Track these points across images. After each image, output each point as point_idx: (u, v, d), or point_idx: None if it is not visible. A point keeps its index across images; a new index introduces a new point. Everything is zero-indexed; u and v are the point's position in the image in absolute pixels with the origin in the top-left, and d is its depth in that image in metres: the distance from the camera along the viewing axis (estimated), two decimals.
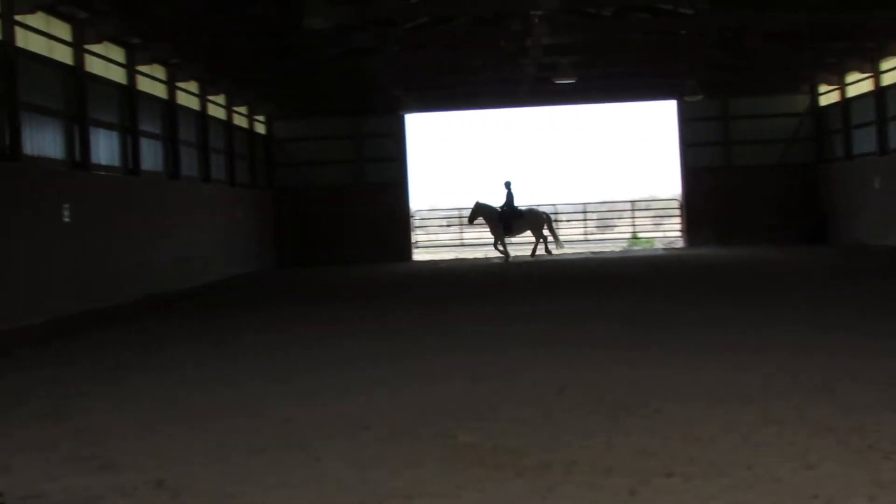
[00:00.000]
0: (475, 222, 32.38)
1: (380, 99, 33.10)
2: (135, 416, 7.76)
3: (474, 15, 26.06)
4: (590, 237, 42.37)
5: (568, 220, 43.34)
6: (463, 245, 40.33)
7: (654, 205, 48.36)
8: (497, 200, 31.47)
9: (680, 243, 36.90)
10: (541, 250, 31.63)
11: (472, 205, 32.30)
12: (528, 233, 32.04)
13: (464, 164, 71.04)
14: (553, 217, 35.12)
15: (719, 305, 14.98)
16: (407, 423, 7.11)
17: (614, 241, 40.90)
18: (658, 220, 44.87)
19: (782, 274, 21.25)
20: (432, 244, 40.71)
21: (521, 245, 34.13)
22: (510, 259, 30.70)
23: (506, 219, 30.76)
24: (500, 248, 31.45)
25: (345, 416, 7.46)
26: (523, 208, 31.84)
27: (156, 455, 6.41)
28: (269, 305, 18.74)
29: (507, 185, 31.25)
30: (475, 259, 33.04)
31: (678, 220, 38.29)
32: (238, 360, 10.91)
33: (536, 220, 31.42)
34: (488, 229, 31.95)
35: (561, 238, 33.08)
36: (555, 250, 31.82)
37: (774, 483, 5.24)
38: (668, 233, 40.54)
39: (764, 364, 8.93)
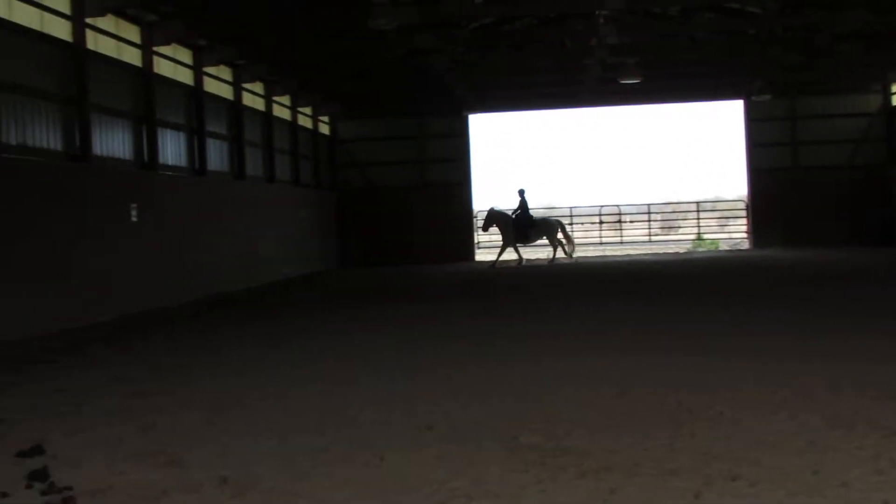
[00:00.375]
0: (489, 230, 32.04)
1: (443, 99, 33.18)
2: (199, 414, 7.85)
3: (539, 15, 25.96)
4: (654, 238, 42.09)
5: (632, 221, 43.10)
6: (523, 245, 40.24)
7: (719, 206, 47.92)
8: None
9: (745, 245, 36.46)
10: (560, 254, 31.31)
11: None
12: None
13: (527, 165, 70.80)
14: (621, 217, 34.95)
15: (786, 309, 14.76)
16: (470, 423, 7.10)
17: (678, 242, 40.55)
18: (723, 222, 44.43)
19: (852, 276, 20.87)
20: (494, 244, 40.65)
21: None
22: (523, 263, 30.43)
23: (521, 227, 30.30)
24: (513, 253, 31.02)
25: (408, 416, 7.47)
26: (536, 217, 31.79)
27: (220, 452, 6.48)
28: (331, 306, 18.84)
29: (521, 192, 30.75)
30: (536, 260, 32.91)
31: (744, 221, 37.83)
32: (301, 361, 10.98)
33: (550, 228, 31.13)
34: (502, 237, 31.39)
35: (576, 243, 33.19)
36: (572, 255, 31.48)
37: (842, 488, 5.15)
38: (734, 234, 40.10)
39: (832, 369, 8.77)
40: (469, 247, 35.60)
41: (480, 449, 6.29)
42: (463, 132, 35.59)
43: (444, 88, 31.22)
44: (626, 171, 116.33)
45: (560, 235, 31.03)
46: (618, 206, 41.77)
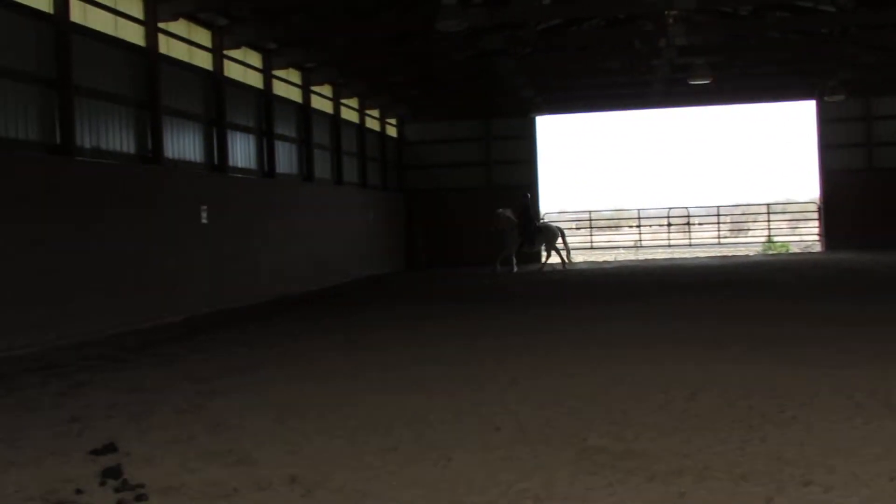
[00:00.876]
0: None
1: (510, 101, 33.17)
2: (269, 413, 7.92)
3: (607, 16, 25.81)
4: (723, 241, 41.57)
5: (700, 224, 42.62)
6: (592, 248, 40.09)
7: (790, 208, 47.17)
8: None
9: (817, 248, 35.87)
10: (553, 260, 29.88)
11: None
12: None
13: (594, 167, 70.43)
14: (689, 219, 34.42)
15: (862, 313, 14.49)
16: (538, 425, 7.07)
17: (748, 244, 40.00)
18: (794, 224, 43.74)
19: None
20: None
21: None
22: (515, 271, 28.86)
23: (528, 232, 29.02)
24: (508, 260, 29.33)
25: (476, 416, 7.47)
26: (540, 223, 30.77)
27: (289, 451, 6.53)
28: (400, 305, 18.89)
29: (525, 196, 29.84)
30: (610, 262, 32.70)
31: (816, 223, 37.23)
32: (369, 360, 11.04)
33: (553, 236, 29.64)
34: (508, 239, 29.27)
35: (573, 252, 31.73)
36: (567, 264, 29.72)
37: None
38: (805, 237, 39.47)
39: None
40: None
41: (549, 451, 6.27)
42: (529, 134, 35.52)
43: (511, 90, 31.19)
44: (695, 172, 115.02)
45: (560, 243, 29.64)
46: (686, 208, 41.31)
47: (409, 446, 6.54)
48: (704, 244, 40.39)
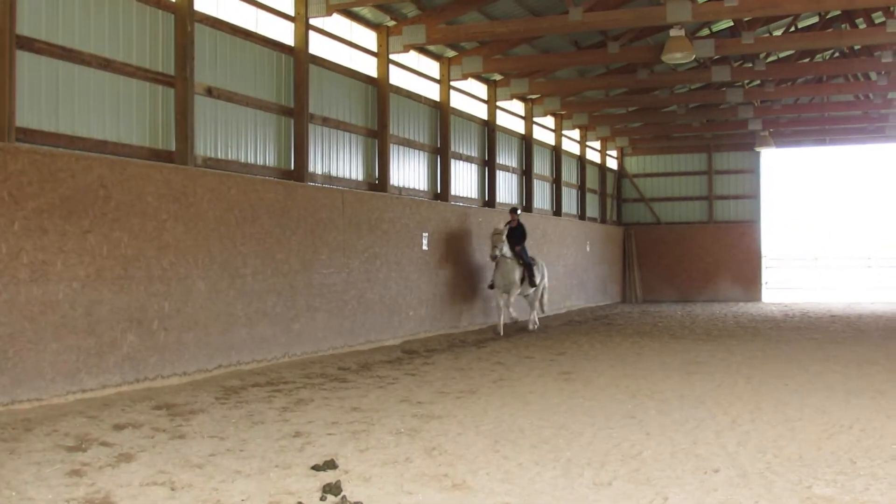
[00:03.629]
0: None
1: (735, 134, 32.43)
2: (484, 439, 7.98)
3: (841, 47, 24.83)
4: None
5: None
6: (818, 288, 38.55)
7: None
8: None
9: None
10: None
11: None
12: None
13: (825, 204, 67.54)
14: None
15: None
16: (759, 468, 6.83)
17: None
18: None
19: None
20: (782, 286, 39.20)
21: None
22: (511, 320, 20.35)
23: (526, 265, 20.37)
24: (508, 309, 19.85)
25: (693, 455, 7.28)
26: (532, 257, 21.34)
27: (503, 479, 6.56)
28: (616, 337, 18.67)
29: (514, 211, 20.68)
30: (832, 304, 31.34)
31: None
32: (583, 392, 10.96)
33: (543, 273, 21.61)
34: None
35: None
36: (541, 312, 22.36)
37: None
38: None
39: None
40: (756, 287, 34.34)
41: (770, 497, 6.04)
42: (755, 168, 34.53)
43: (737, 123, 30.46)
44: None
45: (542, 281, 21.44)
46: None
47: (624, 482, 6.44)
48: None
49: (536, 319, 21.63)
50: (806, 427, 8.51)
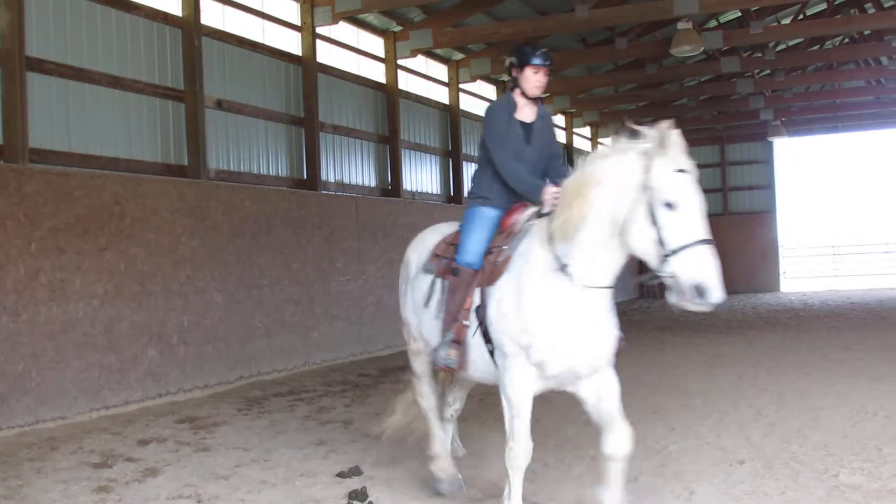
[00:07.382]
0: None
1: (747, 125, 32.30)
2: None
3: (851, 33, 24.70)
4: None
5: None
6: (836, 276, 38.34)
7: None
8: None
9: None
10: None
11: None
12: None
13: (838, 192, 67.10)
14: None
15: None
16: (784, 458, 6.81)
17: None
18: None
19: None
20: (802, 276, 38.99)
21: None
22: None
23: None
24: None
25: (718, 448, 7.26)
26: None
27: (529, 478, 6.53)
28: (639, 333, 18.61)
29: None
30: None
31: None
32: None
33: None
34: None
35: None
36: None
37: None
38: None
39: None
40: (774, 277, 34.20)
41: (797, 487, 6.02)
42: (768, 158, 34.40)
43: (748, 113, 30.34)
44: None
45: None
46: None
47: (650, 477, 6.43)
48: None
49: None
50: (830, 415, 8.47)
